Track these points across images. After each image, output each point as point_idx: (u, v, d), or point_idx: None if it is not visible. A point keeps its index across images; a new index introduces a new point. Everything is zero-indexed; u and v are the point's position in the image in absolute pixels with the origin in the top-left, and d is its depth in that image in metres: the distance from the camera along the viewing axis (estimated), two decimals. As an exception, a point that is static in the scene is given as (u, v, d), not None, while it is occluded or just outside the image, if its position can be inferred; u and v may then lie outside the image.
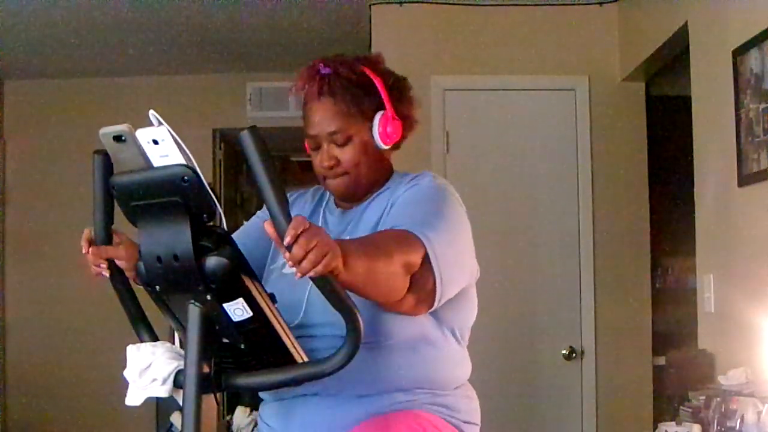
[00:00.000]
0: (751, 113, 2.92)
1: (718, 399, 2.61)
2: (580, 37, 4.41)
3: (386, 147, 1.87)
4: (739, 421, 2.47)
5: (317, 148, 1.87)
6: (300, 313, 1.76)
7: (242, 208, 6.85)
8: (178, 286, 1.43)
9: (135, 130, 1.36)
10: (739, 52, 3.00)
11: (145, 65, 5.56)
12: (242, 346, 1.48)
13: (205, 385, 1.45)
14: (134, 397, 1.56)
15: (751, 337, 2.77)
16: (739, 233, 3.06)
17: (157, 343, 1.61)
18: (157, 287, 1.46)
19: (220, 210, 1.43)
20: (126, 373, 1.57)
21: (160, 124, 1.35)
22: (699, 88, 3.48)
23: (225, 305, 1.42)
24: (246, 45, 5.21)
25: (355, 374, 1.64)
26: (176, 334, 1.62)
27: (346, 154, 1.84)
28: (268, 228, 1.36)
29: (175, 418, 3.49)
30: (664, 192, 4.49)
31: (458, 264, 1.78)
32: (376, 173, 1.89)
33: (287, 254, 1.35)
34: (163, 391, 1.54)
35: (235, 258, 1.41)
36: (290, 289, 1.69)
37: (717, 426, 2.56)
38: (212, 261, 1.39)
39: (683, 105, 3.60)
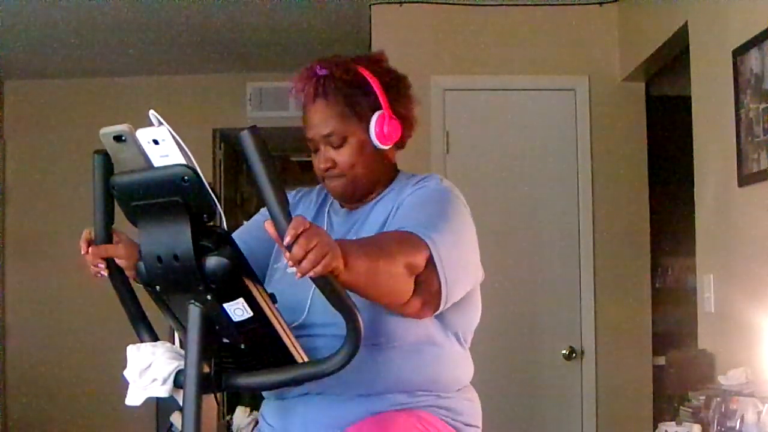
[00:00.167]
0: (751, 113, 2.92)
1: (718, 399, 2.61)
2: (580, 37, 4.41)
3: (384, 147, 1.85)
4: (739, 421, 2.47)
5: (316, 150, 1.87)
6: (303, 313, 1.75)
7: (242, 208, 6.85)
8: (179, 286, 1.43)
9: (135, 130, 1.36)
10: (739, 52, 3.00)
11: (145, 65, 5.56)
12: (242, 346, 1.48)
13: (206, 385, 1.45)
14: (134, 397, 1.56)
15: (751, 337, 2.77)
16: (739, 233, 3.06)
17: (158, 343, 1.61)
18: (158, 287, 1.46)
19: (221, 210, 1.43)
20: (126, 373, 1.57)
21: (161, 124, 1.35)
22: (699, 88, 3.48)
23: (225, 305, 1.42)
24: (246, 45, 5.21)
25: (358, 374, 1.64)
26: (176, 334, 1.62)
27: (342, 156, 1.84)
28: (269, 228, 1.36)
29: (175, 418, 3.49)
30: (664, 192, 4.49)
31: (463, 266, 1.77)
32: (375, 174, 1.88)
33: (287, 254, 1.35)
34: (163, 391, 1.54)
35: (236, 258, 1.41)
36: (293, 289, 1.68)
37: (717, 426, 2.56)
38: (212, 261, 1.39)
39: (683, 105, 3.60)
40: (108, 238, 1.62)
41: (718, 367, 3.02)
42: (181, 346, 1.52)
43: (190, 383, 1.43)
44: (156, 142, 1.35)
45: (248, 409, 3.58)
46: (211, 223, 1.42)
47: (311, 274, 1.36)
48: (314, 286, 1.43)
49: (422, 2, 4.41)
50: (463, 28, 4.43)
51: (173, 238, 1.39)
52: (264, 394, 1.90)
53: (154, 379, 1.55)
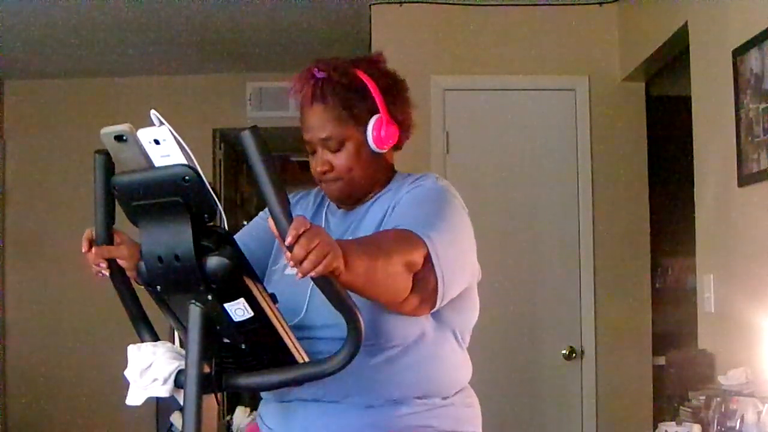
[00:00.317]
0: (751, 113, 2.92)
1: (718, 399, 2.61)
2: (580, 37, 4.42)
3: (382, 151, 1.85)
4: (739, 421, 2.47)
5: (313, 152, 1.86)
6: (301, 313, 1.75)
7: (242, 208, 6.85)
8: (179, 286, 1.43)
9: (136, 130, 1.36)
10: (739, 52, 3.00)
11: (145, 65, 5.56)
12: (243, 346, 1.48)
13: (206, 385, 1.45)
14: (135, 397, 1.56)
15: (751, 337, 2.77)
16: (739, 233, 3.06)
17: (158, 342, 1.61)
18: (158, 287, 1.46)
19: (221, 210, 1.43)
20: (127, 372, 1.57)
21: (162, 123, 1.35)
22: (699, 88, 3.48)
23: (226, 305, 1.42)
24: (246, 45, 5.21)
25: (356, 379, 1.64)
26: (177, 334, 1.62)
27: (340, 160, 1.83)
28: (272, 225, 1.36)
29: (175, 418, 3.50)
30: (664, 192, 4.49)
31: (460, 264, 1.77)
32: (372, 177, 1.87)
33: (288, 254, 1.35)
34: (163, 391, 1.54)
35: (236, 258, 1.41)
36: (292, 289, 1.68)
37: (717, 426, 2.56)
38: (213, 261, 1.39)
39: (683, 105, 3.59)
40: (109, 238, 1.62)
41: (718, 367, 3.02)
42: (182, 346, 1.52)
43: (190, 383, 1.43)
44: (157, 141, 1.35)
45: (248, 410, 3.58)
46: (212, 223, 1.42)
47: (312, 274, 1.36)
48: (312, 286, 1.43)
49: (422, 2, 4.41)
50: (463, 28, 4.43)
51: (174, 238, 1.39)
52: (263, 395, 1.89)
53: (155, 379, 1.55)
